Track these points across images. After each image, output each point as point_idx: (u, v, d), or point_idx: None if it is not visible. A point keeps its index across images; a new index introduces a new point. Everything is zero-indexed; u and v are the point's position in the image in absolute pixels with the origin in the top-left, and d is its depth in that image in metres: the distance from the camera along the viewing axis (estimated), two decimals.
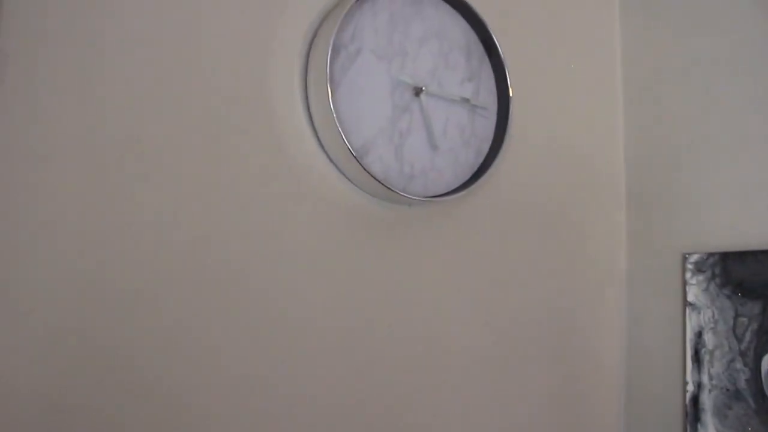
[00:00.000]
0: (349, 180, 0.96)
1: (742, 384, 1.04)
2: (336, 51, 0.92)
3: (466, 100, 1.05)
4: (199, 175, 0.84)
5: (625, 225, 1.29)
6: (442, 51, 1.04)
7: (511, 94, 1.08)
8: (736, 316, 1.06)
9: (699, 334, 1.11)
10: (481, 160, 1.07)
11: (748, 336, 1.05)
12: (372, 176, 0.92)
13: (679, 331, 1.15)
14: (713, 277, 1.10)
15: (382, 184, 0.93)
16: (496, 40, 1.07)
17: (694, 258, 1.13)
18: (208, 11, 0.87)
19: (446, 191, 1.02)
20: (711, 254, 1.11)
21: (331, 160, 0.94)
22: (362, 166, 0.91)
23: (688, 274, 1.13)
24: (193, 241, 0.83)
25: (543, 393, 1.16)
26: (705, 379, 1.09)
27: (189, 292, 0.82)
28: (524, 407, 1.13)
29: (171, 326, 0.81)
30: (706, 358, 1.09)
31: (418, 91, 1.00)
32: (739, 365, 1.05)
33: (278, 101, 0.91)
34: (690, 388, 1.11)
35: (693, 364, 1.11)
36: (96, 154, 0.78)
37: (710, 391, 1.08)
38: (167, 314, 0.81)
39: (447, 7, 1.05)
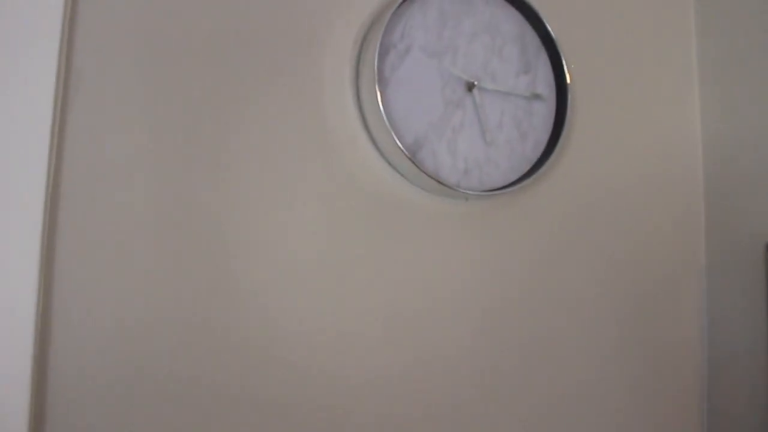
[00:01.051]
0: (403, 176, 0.97)
1: None
2: (385, 50, 0.94)
3: (531, 94, 1.04)
4: (256, 175, 0.88)
5: (703, 214, 1.23)
6: (494, 45, 1.03)
7: (568, 81, 1.06)
8: None
9: None
10: (539, 152, 1.05)
11: None
12: (423, 171, 0.93)
13: (764, 326, 1.08)
14: None
15: (434, 178, 0.93)
16: (550, 29, 1.06)
17: None
18: (262, 18, 0.91)
19: (503, 185, 1.01)
20: None
21: (384, 157, 0.96)
22: (413, 162, 0.92)
23: None
24: (252, 239, 0.87)
25: (621, 391, 1.12)
26: None
27: (250, 288, 0.86)
28: (602, 403, 1.10)
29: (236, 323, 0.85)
30: None
31: (470, 86, 1.00)
32: None
33: (331, 102, 0.94)
34: None
35: None
36: (162, 160, 0.83)
37: None
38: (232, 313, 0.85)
39: (499, 1, 1.05)
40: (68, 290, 0.76)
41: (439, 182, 0.94)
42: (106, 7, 0.82)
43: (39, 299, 0.74)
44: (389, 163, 0.96)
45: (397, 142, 0.91)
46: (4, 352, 0.73)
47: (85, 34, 0.81)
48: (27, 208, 0.76)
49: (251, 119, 0.89)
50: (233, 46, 0.89)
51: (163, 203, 0.83)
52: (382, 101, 0.92)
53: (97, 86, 0.81)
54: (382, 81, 0.93)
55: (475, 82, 1.00)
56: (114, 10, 0.83)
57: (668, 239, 1.20)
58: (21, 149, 0.77)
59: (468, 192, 0.97)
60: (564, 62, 1.07)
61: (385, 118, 0.91)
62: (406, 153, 0.92)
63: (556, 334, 1.07)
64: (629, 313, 1.15)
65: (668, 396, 1.16)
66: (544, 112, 1.07)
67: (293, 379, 0.87)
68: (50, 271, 0.76)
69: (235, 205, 0.87)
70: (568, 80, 1.06)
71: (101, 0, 0.82)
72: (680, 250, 1.21)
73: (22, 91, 0.78)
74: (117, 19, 0.83)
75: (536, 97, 1.06)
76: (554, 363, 1.07)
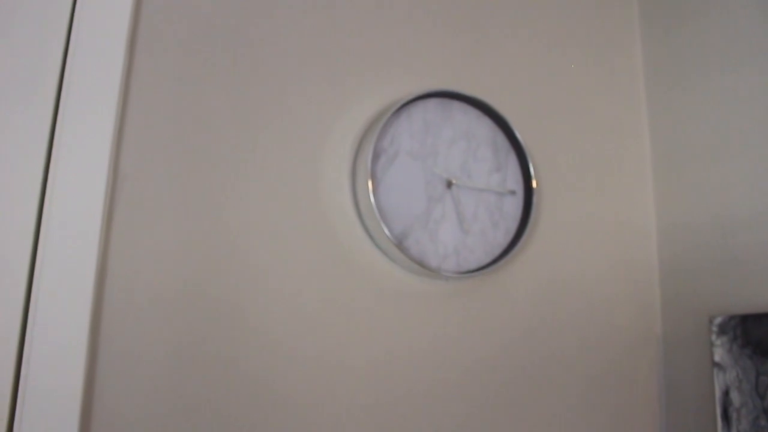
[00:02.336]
0: (391, 260, 1.14)
1: None
2: (377, 155, 1.13)
3: (507, 191, 1.23)
4: (265, 258, 1.05)
5: (659, 291, 1.39)
6: (470, 148, 1.22)
7: (534, 186, 1.24)
8: (758, 375, 1.14)
9: (726, 393, 1.18)
10: (509, 238, 1.22)
11: None
12: (409, 257, 1.10)
13: (710, 391, 1.23)
14: (735, 338, 1.19)
15: (418, 263, 1.10)
16: (518, 136, 1.25)
17: (718, 320, 1.22)
18: (270, 126, 1.10)
19: (478, 267, 1.18)
20: (732, 317, 1.20)
21: (375, 245, 1.13)
22: (400, 249, 1.09)
23: (714, 336, 1.22)
24: (259, 311, 1.03)
25: None
26: None
27: (256, 357, 1.02)
28: None
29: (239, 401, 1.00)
30: (734, 415, 1.16)
31: (449, 184, 1.18)
32: (763, 422, 1.12)
33: (331, 198, 1.12)
34: None
35: (723, 422, 1.18)
36: (189, 245, 1.00)
37: None
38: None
39: (474, 111, 1.24)
40: (113, 343, 0.92)
41: (422, 266, 1.11)
42: (147, 127, 1.01)
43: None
44: (380, 249, 1.13)
45: (386, 231, 1.09)
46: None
47: (129, 146, 1.00)
48: (80, 282, 0.93)
49: (265, 214, 1.06)
50: (247, 157, 1.07)
51: (190, 279, 0.99)
52: (374, 197, 1.09)
53: (138, 187, 0.99)
54: (375, 180, 1.11)
55: (454, 180, 1.19)
56: (152, 128, 1.02)
57: (628, 314, 1.36)
58: (75, 237, 0.94)
59: (448, 274, 1.14)
60: (530, 162, 1.25)
61: (376, 211, 1.09)
62: (394, 241, 1.09)
63: (528, 400, 1.22)
64: (596, 378, 1.29)
65: None
66: (514, 203, 1.25)
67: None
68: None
69: (248, 283, 1.03)
70: (534, 178, 1.25)
71: (143, 121, 1.01)
72: (639, 323, 1.36)
73: (78, 192, 0.96)
74: (154, 136, 1.02)
75: (510, 193, 1.24)
76: (527, 428, 1.21)
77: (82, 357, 0.90)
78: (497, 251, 1.21)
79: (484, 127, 1.25)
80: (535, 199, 1.24)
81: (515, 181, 1.26)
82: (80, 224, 0.95)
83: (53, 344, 0.90)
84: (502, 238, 1.22)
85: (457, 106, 1.23)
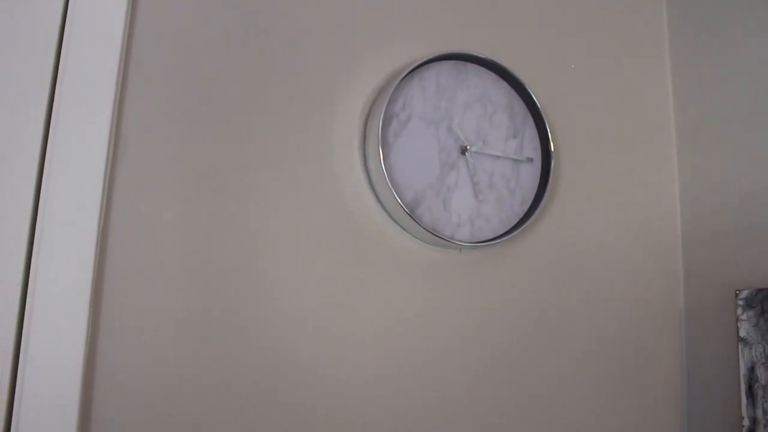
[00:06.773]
0: (403, 229, 1.10)
1: None
2: (388, 119, 1.08)
3: (525, 158, 1.18)
4: (273, 225, 1.01)
5: (681, 264, 1.34)
6: (485, 112, 1.17)
7: (552, 149, 1.19)
8: None
9: (752, 369, 1.13)
10: (526, 207, 1.18)
11: None
12: (421, 225, 1.06)
13: (734, 367, 1.18)
14: (762, 312, 1.13)
15: (430, 232, 1.06)
16: (536, 99, 1.19)
17: (744, 294, 1.17)
18: (282, 91, 1.05)
19: (493, 237, 1.14)
20: (760, 290, 1.15)
21: (386, 212, 1.09)
22: (412, 217, 1.05)
23: (740, 310, 1.17)
24: (268, 283, 0.99)
25: (604, 427, 1.22)
26: (759, 414, 1.11)
27: (266, 327, 0.98)
28: None
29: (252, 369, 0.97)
30: (759, 392, 1.12)
31: (464, 150, 1.13)
32: None
33: (341, 164, 1.08)
34: (746, 423, 1.13)
35: (747, 399, 1.13)
36: (192, 214, 0.97)
37: (765, 426, 1.10)
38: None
39: (490, 74, 1.19)
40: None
41: (435, 235, 1.07)
42: (148, 88, 0.97)
43: (86, 345, 0.87)
44: (391, 218, 1.09)
45: (398, 199, 1.04)
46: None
47: (130, 109, 0.96)
48: (80, 250, 0.90)
49: (271, 180, 1.02)
50: (255, 120, 1.03)
51: (195, 247, 0.96)
52: (385, 163, 1.05)
53: (139, 150, 0.95)
54: (386, 146, 1.07)
55: (468, 146, 1.14)
56: (154, 90, 0.97)
57: (650, 286, 1.31)
58: (78, 200, 0.92)
59: (461, 243, 1.09)
60: (548, 128, 1.20)
61: (387, 178, 1.04)
62: (406, 209, 1.05)
63: (544, 374, 1.18)
64: (615, 353, 1.25)
65: (651, 427, 1.25)
66: (531, 171, 1.19)
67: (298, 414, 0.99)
68: (97, 316, 0.89)
69: (256, 250, 0.99)
70: (552, 145, 1.19)
71: (144, 81, 0.97)
72: (661, 296, 1.31)
73: (81, 154, 0.93)
74: (156, 98, 0.98)
75: (528, 160, 1.19)
76: (545, 402, 1.17)
77: (83, 329, 0.87)
78: (514, 220, 1.16)
79: (501, 91, 1.20)
80: (553, 166, 1.19)
81: (533, 148, 1.21)
82: (81, 190, 0.92)
83: (53, 315, 0.87)
84: (519, 207, 1.17)
85: (472, 69, 1.17)
